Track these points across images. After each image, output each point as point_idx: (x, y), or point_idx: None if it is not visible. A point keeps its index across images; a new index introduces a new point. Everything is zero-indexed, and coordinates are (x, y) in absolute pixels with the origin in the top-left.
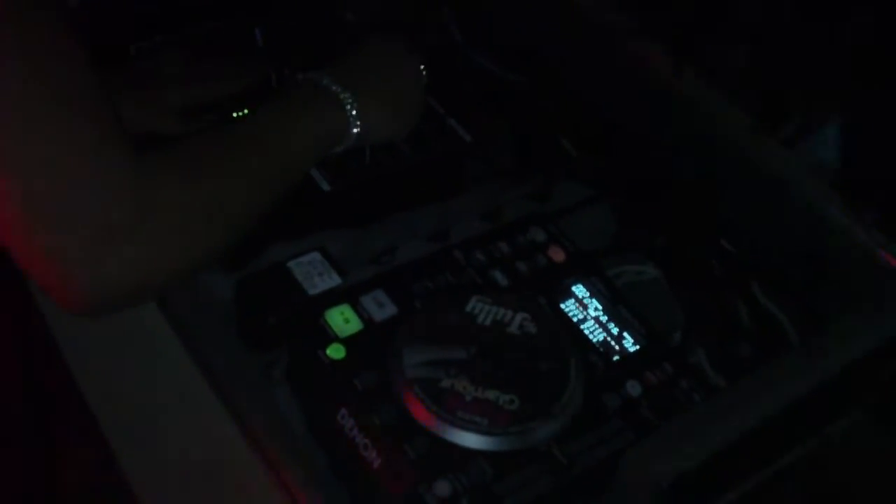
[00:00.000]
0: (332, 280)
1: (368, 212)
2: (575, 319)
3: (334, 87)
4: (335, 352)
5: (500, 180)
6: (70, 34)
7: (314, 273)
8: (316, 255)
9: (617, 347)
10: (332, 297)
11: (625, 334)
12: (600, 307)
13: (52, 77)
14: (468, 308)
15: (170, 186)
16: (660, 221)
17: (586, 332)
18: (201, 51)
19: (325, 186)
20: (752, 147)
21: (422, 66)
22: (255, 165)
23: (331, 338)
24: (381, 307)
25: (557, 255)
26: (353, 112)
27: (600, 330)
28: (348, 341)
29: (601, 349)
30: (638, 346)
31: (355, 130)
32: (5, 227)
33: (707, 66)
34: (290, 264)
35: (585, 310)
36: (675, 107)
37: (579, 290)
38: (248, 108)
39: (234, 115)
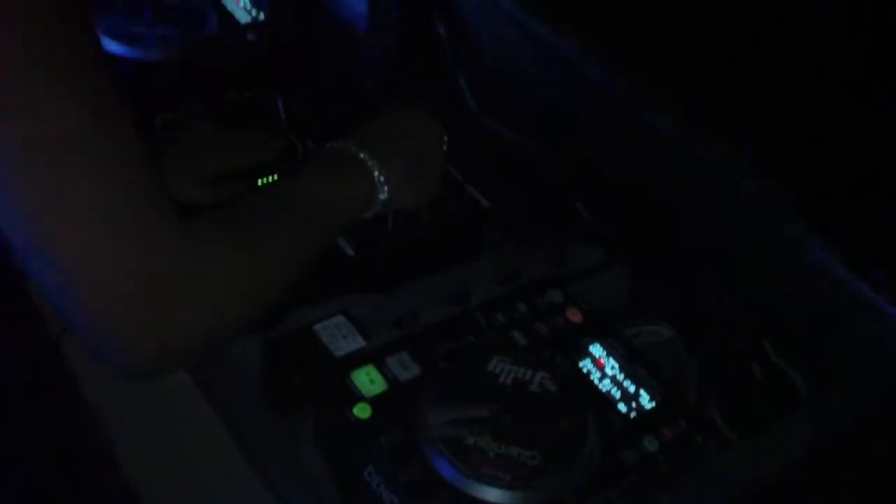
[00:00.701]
0: (357, 342)
1: (391, 276)
2: (593, 378)
3: (362, 155)
4: (361, 411)
5: (516, 244)
6: (121, 102)
7: (339, 335)
8: (341, 319)
9: (634, 404)
10: (357, 359)
11: (641, 391)
12: (617, 366)
13: (100, 143)
14: (490, 367)
15: (214, 251)
16: (673, 283)
17: (604, 389)
18: (225, 121)
19: (350, 252)
20: (763, 210)
21: (444, 135)
22: (293, 229)
23: (357, 397)
24: (406, 368)
25: (575, 316)
26: (381, 179)
27: (617, 388)
28: (374, 401)
29: (619, 406)
30: (654, 403)
31: (382, 197)
32: (54, 288)
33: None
34: (317, 327)
35: (603, 368)
36: (686, 171)
37: (596, 349)
38: (276, 176)
39: (260, 182)
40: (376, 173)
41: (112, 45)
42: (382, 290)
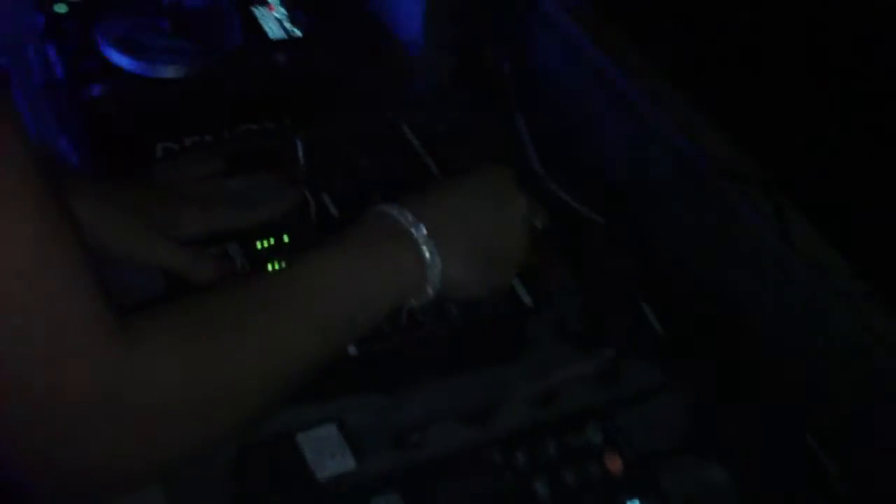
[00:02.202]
0: (346, 462)
1: (399, 378)
2: None
3: (412, 228)
4: None
5: (561, 348)
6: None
7: (326, 452)
8: (332, 430)
9: None
10: (341, 489)
11: None
12: None
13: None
14: None
15: (159, 357)
16: (742, 424)
17: None
18: (234, 161)
19: (352, 350)
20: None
21: (533, 210)
22: (291, 327)
23: None
24: None
25: (614, 463)
26: (436, 261)
27: None
28: None
29: None
30: None
31: (433, 286)
32: None
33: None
34: (301, 438)
35: None
36: (779, 276)
37: None
38: (283, 239)
39: (259, 245)
40: (428, 254)
41: (118, 57)
42: (387, 392)
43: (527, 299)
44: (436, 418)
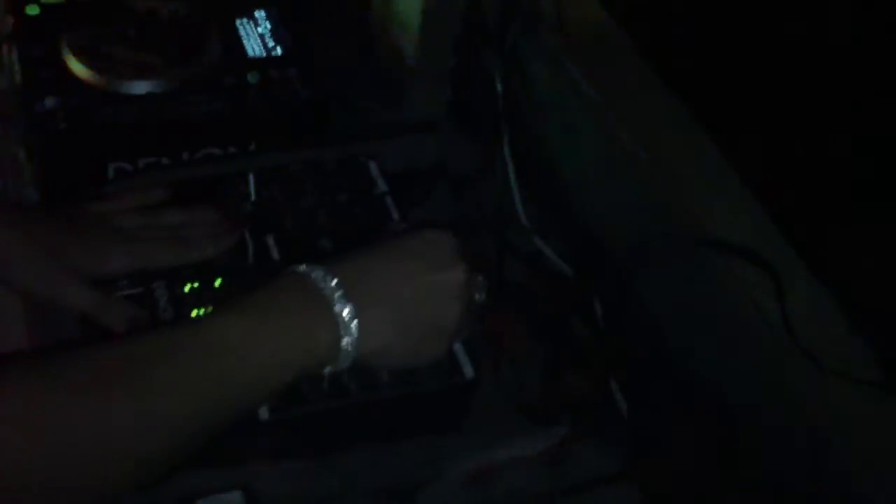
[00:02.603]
0: None
1: (316, 444)
2: None
3: (328, 291)
4: None
5: (508, 422)
6: None
7: None
8: (236, 497)
9: None
10: None
11: None
12: None
13: None
14: None
15: (13, 409)
16: None
17: None
18: (183, 188)
19: (264, 414)
20: None
21: (477, 276)
22: (173, 391)
23: None
24: None
25: None
26: (351, 323)
27: None
28: None
29: None
30: None
31: (347, 348)
32: None
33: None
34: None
35: None
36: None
37: None
38: (205, 282)
39: (186, 288)
40: (345, 313)
41: (78, 68)
42: (301, 458)
43: (468, 370)
44: (355, 491)
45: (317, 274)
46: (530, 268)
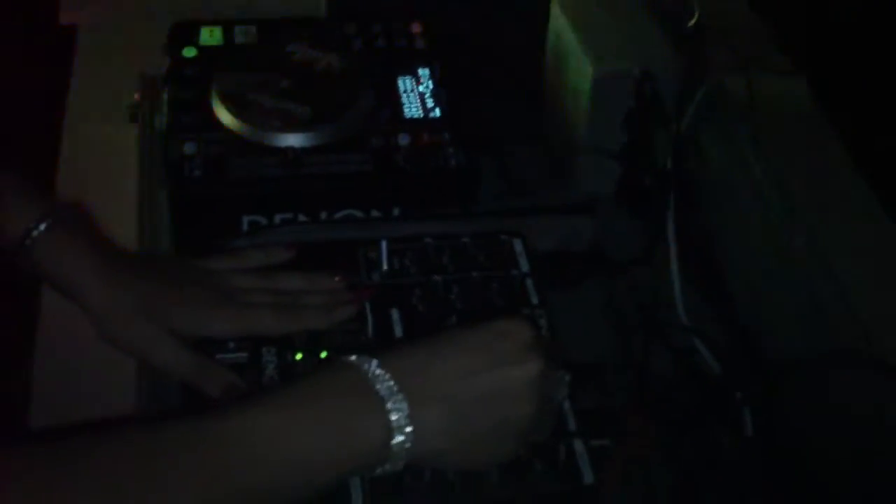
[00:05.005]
0: None
1: None
2: None
3: (379, 385)
4: None
5: None
6: None
7: None
8: None
9: None
10: None
11: None
12: None
13: None
14: None
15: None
16: None
17: None
18: (313, 248)
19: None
20: None
21: (557, 371)
22: (188, 495)
23: None
24: None
25: None
26: (406, 431)
27: None
28: None
29: None
30: None
31: (399, 449)
32: None
33: None
34: None
35: None
36: None
37: None
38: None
39: (297, 357)
40: (397, 413)
41: (223, 114)
42: None
43: (587, 475)
44: None
45: (368, 366)
46: (678, 365)
